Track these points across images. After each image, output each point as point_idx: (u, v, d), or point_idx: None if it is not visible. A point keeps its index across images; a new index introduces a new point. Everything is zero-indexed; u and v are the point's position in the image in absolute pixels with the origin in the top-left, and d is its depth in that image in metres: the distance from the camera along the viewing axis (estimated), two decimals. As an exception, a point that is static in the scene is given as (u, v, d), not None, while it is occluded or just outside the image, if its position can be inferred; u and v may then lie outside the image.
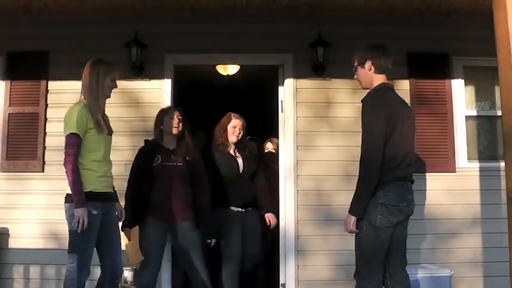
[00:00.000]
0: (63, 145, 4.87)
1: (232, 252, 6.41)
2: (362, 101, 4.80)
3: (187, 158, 6.00)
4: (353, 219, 4.58)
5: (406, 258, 4.98)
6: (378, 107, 4.63)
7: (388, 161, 4.54)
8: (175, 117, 6.02)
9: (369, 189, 4.52)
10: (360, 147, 4.62)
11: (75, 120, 4.82)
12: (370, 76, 4.87)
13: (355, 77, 5.04)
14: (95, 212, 4.85)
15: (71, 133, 4.82)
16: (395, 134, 4.58)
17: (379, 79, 4.85)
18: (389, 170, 4.54)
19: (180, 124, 6.04)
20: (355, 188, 4.59)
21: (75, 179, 4.79)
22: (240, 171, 6.59)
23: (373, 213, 4.54)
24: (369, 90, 4.89)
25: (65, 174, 4.81)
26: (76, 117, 4.82)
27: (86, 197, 4.80)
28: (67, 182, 4.85)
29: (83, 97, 5.03)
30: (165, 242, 5.93)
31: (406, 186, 4.71)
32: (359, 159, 4.59)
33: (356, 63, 4.96)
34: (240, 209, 6.51)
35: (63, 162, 4.82)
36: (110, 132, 5.19)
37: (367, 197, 4.54)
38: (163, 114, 6.10)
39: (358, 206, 4.57)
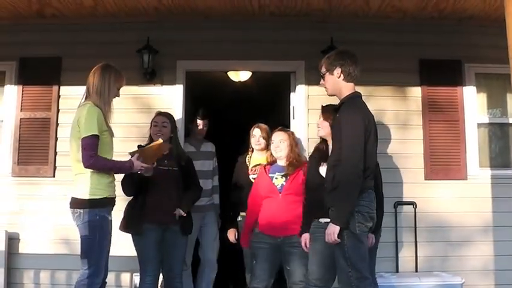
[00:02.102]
0: (74, 149, 4.89)
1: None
2: (336, 109, 4.82)
3: (182, 163, 6.09)
4: (337, 229, 4.54)
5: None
6: (356, 116, 4.60)
7: (363, 170, 4.56)
8: (158, 124, 6.08)
9: (352, 197, 4.50)
10: (339, 156, 4.60)
11: (96, 121, 4.82)
12: (339, 84, 4.81)
13: (321, 82, 4.97)
14: (110, 218, 4.91)
15: (93, 135, 4.80)
16: (369, 144, 4.58)
17: (348, 88, 4.81)
18: (363, 179, 4.56)
19: (164, 130, 6.06)
20: (338, 199, 4.56)
21: (111, 164, 4.94)
22: None
23: (352, 222, 4.53)
24: (340, 98, 4.85)
25: (93, 165, 4.83)
26: (97, 119, 4.83)
27: (101, 204, 4.84)
28: (76, 186, 4.91)
29: (89, 99, 5.02)
30: (161, 246, 5.89)
31: (373, 195, 4.73)
32: (339, 168, 4.57)
33: (324, 70, 4.88)
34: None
35: (84, 164, 4.79)
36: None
37: (351, 206, 4.51)
38: (152, 120, 6.18)
39: (343, 215, 4.54)
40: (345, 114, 4.66)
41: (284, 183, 5.85)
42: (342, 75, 4.76)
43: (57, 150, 7.08)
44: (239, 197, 6.50)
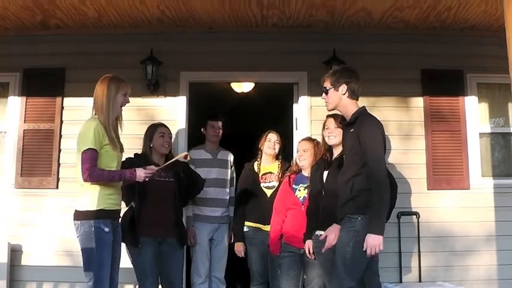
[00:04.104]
0: (79, 162, 4.91)
1: None
2: (347, 124, 4.87)
3: (181, 175, 6.05)
4: (381, 239, 4.50)
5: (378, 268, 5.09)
6: (377, 128, 4.72)
7: None
8: (165, 135, 6.08)
9: (387, 206, 4.59)
10: (368, 168, 4.62)
11: (92, 135, 4.85)
12: (343, 100, 4.88)
13: (323, 97, 5.00)
14: (106, 230, 4.87)
15: (88, 148, 4.84)
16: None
17: (353, 104, 4.89)
18: None
19: (170, 141, 6.12)
20: (375, 208, 4.54)
21: (108, 174, 4.91)
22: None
23: (363, 233, 4.53)
24: (345, 114, 4.92)
25: (93, 178, 4.86)
26: (93, 133, 4.86)
27: (96, 215, 4.85)
28: (77, 199, 4.96)
29: (95, 113, 5.08)
30: (158, 260, 5.86)
31: None
32: (372, 180, 4.58)
33: (329, 85, 4.91)
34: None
35: (82, 178, 4.86)
36: (122, 149, 5.22)
37: (385, 214, 4.61)
38: (153, 130, 6.12)
39: (381, 224, 4.54)
40: (367, 128, 4.71)
41: (306, 195, 5.85)
42: (347, 92, 4.83)
43: (60, 162, 7.07)
44: (246, 205, 6.51)
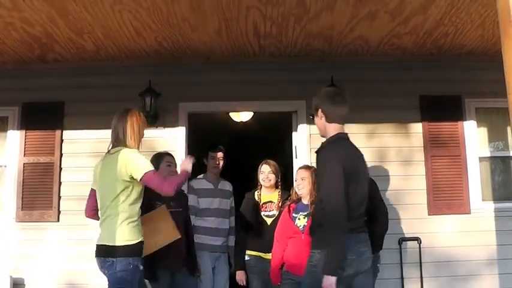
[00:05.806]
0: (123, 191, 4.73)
1: None
2: (316, 152, 4.60)
3: (184, 203, 6.05)
4: (334, 280, 4.13)
5: None
6: (334, 160, 4.34)
7: None
8: (172, 165, 5.98)
9: (343, 242, 4.22)
10: (320, 204, 4.38)
11: (144, 158, 4.72)
12: (323, 125, 4.61)
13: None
14: (141, 268, 4.65)
15: (149, 170, 4.64)
16: (351, 185, 4.33)
17: (332, 128, 4.58)
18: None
19: (176, 172, 5.94)
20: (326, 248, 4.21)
21: (180, 176, 4.87)
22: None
23: (320, 268, 4.24)
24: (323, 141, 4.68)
25: (174, 185, 4.71)
26: (144, 157, 4.74)
27: (136, 250, 4.62)
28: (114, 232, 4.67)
29: (121, 144, 4.81)
30: None
31: (358, 237, 4.41)
32: (324, 217, 4.27)
33: (314, 111, 4.72)
34: None
35: (171, 191, 4.68)
36: None
37: (342, 251, 4.23)
38: (160, 160, 5.95)
39: (337, 264, 4.19)
40: (322, 160, 4.46)
41: (306, 223, 5.79)
42: (323, 116, 4.58)
43: (61, 195, 7.08)
44: (247, 234, 6.50)
